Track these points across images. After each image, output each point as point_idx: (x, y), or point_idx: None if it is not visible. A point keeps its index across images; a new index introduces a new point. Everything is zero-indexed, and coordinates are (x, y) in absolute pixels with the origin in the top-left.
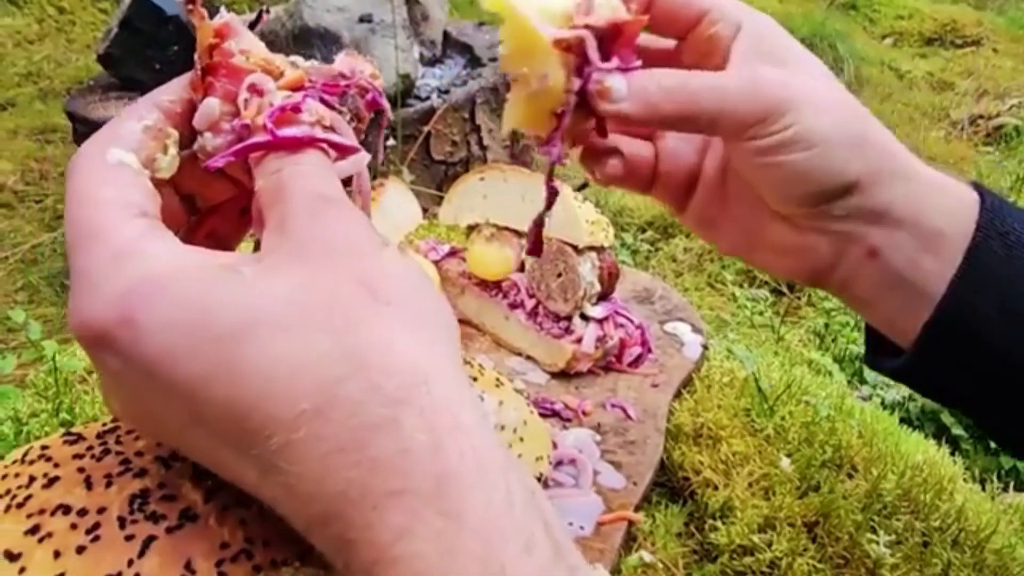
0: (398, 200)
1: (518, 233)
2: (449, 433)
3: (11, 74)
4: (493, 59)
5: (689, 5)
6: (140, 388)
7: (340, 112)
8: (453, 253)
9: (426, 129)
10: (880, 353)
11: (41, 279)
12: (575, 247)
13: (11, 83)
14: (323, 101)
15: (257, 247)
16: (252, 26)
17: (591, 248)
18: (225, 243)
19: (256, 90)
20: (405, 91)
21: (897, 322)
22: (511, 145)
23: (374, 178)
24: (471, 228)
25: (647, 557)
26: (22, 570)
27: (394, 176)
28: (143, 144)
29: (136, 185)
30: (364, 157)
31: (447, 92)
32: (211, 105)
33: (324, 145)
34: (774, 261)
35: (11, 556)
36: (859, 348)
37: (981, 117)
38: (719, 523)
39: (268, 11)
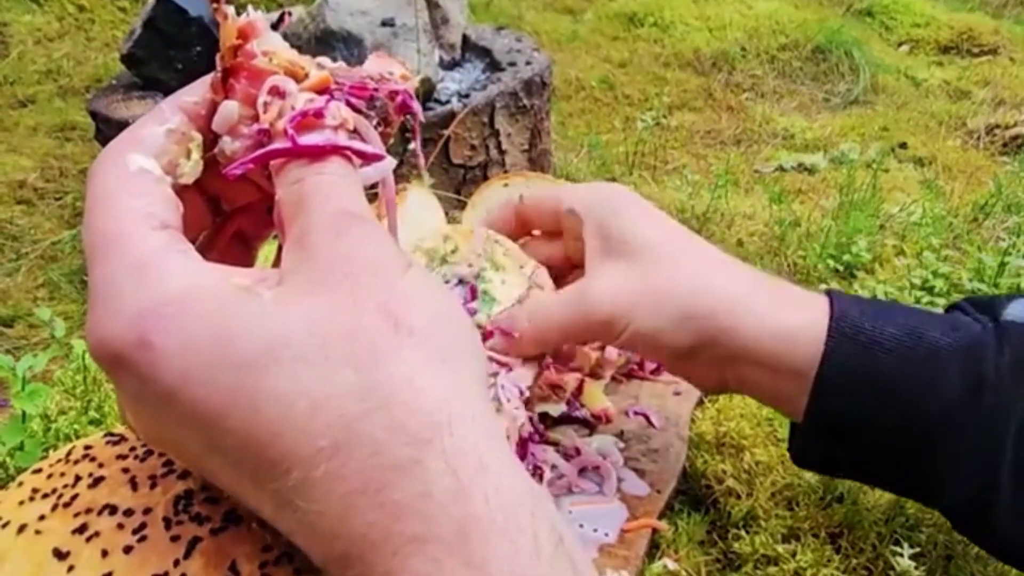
0: (421, 208)
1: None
2: (473, 476)
3: (31, 71)
4: (512, 63)
5: (546, 200)
6: (158, 411)
7: (367, 116)
8: None
9: (446, 133)
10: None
11: (62, 276)
12: None
13: (31, 80)
14: (349, 104)
15: (280, 250)
16: (274, 28)
17: None
18: (251, 242)
19: (277, 92)
20: (425, 95)
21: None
22: (529, 149)
23: (396, 183)
24: None
25: (671, 565)
26: (71, 568)
27: (416, 181)
28: (165, 149)
29: (157, 194)
30: (390, 164)
31: (467, 96)
32: (230, 108)
33: (348, 152)
34: (685, 378)
35: (60, 555)
36: None
37: (998, 127)
38: (743, 532)
39: (290, 13)
